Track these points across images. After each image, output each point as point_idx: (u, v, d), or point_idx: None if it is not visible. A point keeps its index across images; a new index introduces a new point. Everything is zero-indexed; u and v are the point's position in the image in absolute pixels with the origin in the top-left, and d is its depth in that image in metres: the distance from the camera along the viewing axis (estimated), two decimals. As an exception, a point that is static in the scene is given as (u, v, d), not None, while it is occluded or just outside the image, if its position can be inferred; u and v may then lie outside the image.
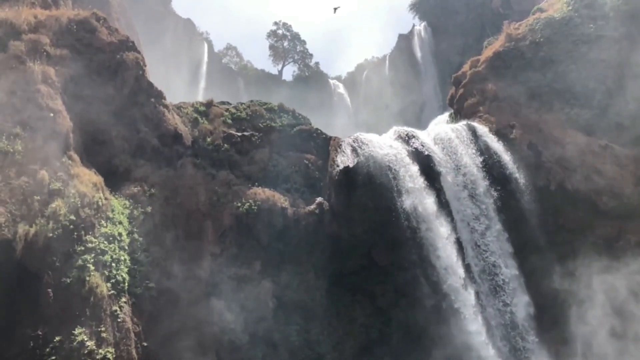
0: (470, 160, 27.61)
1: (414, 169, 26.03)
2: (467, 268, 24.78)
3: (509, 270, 25.57)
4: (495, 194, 26.86)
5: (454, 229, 25.39)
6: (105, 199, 20.94)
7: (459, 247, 24.98)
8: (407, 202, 25.05)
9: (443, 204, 25.67)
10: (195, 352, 20.50)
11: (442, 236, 24.77)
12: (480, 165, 27.51)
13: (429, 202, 25.21)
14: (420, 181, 25.67)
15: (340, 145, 28.11)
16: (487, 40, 40.83)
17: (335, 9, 54.79)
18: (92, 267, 18.52)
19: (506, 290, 25.18)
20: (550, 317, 24.88)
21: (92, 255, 18.82)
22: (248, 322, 22.28)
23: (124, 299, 19.39)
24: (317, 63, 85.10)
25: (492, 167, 27.53)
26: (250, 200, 25.03)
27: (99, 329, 17.73)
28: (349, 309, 24.90)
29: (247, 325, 22.20)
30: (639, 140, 27.75)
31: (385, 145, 27.06)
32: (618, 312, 23.41)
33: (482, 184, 27.04)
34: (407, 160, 26.28)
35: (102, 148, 23.50)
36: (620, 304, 23.67)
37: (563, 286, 25.06)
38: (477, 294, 24.30)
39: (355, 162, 26.21)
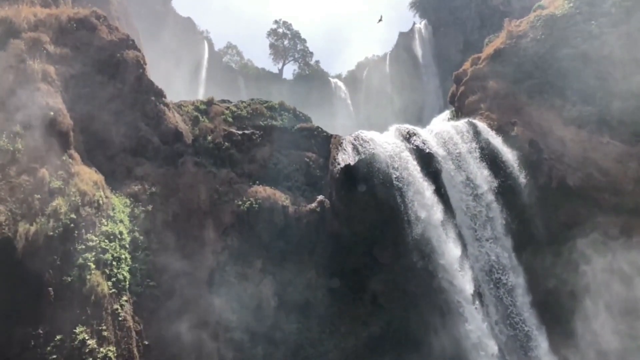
0: (472, 159, 27.51)
1: (417, 171, 25.78)
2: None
3: (543, 338, 24.30)
4: (493, 191, 26.73)
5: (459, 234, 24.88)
6: (106, 197, 20.92)
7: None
8: (417, 229, 24.45)
9: (446, 202, 25.58)
10: (196, 350, 20.46)
11: (466, 294, 23.46)
12: (482, 165, 27.39)
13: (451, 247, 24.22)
14: (420, 176, 25.54)
15: (342, 143, 28.03)
16: (488, 38, 40.73)
17: (379, 20, 61.29)
18: (92, 266, 18.51)
19: None
20: (553, 314, 24.84)
21: (93, 253, 18.81)
22: (249, 320, 22.25)
23: (124, 298, 19.36)
24: (317, 61, 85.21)
25: (492, 165, 27.45)
26: (251, 199, 24.97)
27: (100, 328, 17.71)
28: (351, 307, 24.80)
29: (248, 324, 22.17)
30: (641, 137, 27.68)
31: (387, 143, 26.97)
32: (622, 309, 23.32)
33: (482, 181, 26.97)
34: (409, 158, 26.18)
35: (103, 146, 23.46)
36: (623, 300, 23.59)
37: (564, 283, 24.99)
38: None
39: (356, 160, 26.12)
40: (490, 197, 26.63)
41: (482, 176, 27.17)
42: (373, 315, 24.64)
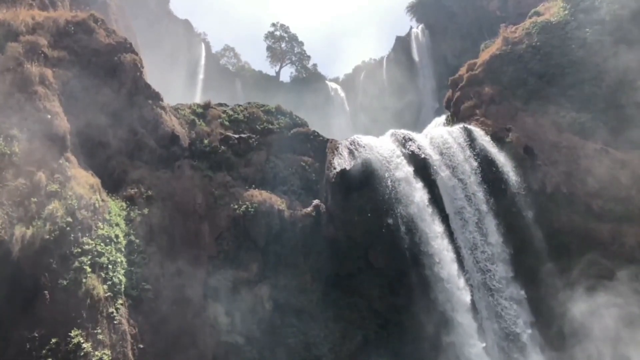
0: (467, 165, 27.66)
1: (412, 176, 25.80)
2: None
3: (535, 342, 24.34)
4: (488, 197, 26.88)
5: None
6: (102, 200, 20.95)
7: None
8: (412, 234, 24.57)
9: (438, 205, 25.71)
10: (191, 354, 20.51)
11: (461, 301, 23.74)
12: (477, 171, 27.54)
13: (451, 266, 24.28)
14: (415, 181, 25.66)
15: (337, 147, 28.19)
16: (484, 43, 40.98)
17: None
18: (88, 269, 18.51)
19: None
20: (546, 319, 24.97)
21: (89, 257, 18.81)
22: (245, 324, 22.32)
23: (120, 301, 19.38)
24: (314, 65, 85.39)
25: (487, 171, 27.59)
26: (247, 202, 25.05)
27: (96, 331, 17.71)
28: (346, 311, 24.92)
29: (244, 328, 22.24)
30: (635, 144, 27.89)
31: (383, 148, 27.12)
32: (613, 315, 23.41)
33: (476, 186, 27.15)
34: (405, 163, 26.28)
35: (100, 150, 23.51)
36: (616, 305, 23.69)
37: (559, 290, 25.10)
38: None
39: (352, 165, 26.28)
40: (484, 201, 26.75)
41: (477, 181, 27.30)
42: (368, 319, 24.77)
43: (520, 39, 33.76)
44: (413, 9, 76.11)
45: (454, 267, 24.25)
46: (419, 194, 25.23)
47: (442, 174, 26.85)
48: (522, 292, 25.43)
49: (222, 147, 27.52)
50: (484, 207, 26.61)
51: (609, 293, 23.57)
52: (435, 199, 25.66)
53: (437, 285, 24.07)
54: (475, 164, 27.77)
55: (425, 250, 24.47)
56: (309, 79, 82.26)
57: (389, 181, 25.58)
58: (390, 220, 25.08)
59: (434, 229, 24.82)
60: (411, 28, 76.79)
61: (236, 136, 28.34)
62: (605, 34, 31.29)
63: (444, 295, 23.85)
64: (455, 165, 27.53)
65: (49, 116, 20.74)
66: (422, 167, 26.36)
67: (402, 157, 26.57)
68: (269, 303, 23.31)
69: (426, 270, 24.40)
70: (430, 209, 25.13)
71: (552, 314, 24.78)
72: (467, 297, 23.78)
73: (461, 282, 24.05)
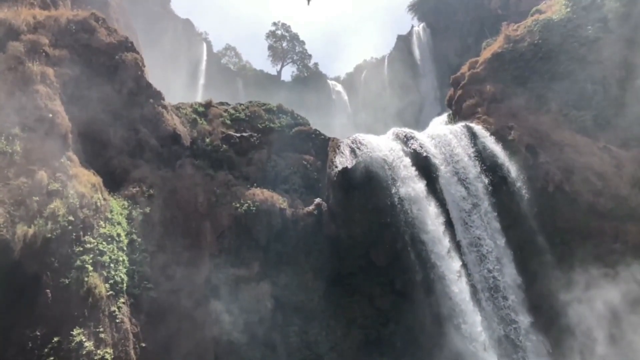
0: (468, 162, 27.52)
1: (414, 174, 25.55)
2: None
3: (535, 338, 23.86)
4: (489, 185, 26.71)
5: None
6: (104, 199, 20.94)
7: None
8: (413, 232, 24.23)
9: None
10: (193, 352, 20.51)
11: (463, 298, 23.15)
12: (489, 190, 27.18)
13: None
14: (417, 179, 25.53)
15: (339, 146, 28.15)
16: (486, 42, 40.88)
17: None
18: (90, 268, 18.53)
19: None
20: (548, 319, 24.90)
21: (91, 256, 18.82)
22: (246, 322, 22.28)
23: (122, 300, 19.39)
24: (316, 64, 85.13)
25: (488, 171, 27.47)
26: (248, 201, 25.00)
27: (98, 330, 17.74)
28: (347, 309, 24.87)
29: (245, 326, 22.21)
30: (637, 142, 27.83)
31: (384, 147, 27.06)
32: (615, 313, 23.39)
33: (478, 184, 27.03)
34: (407, 162, 26.20)
35: (101, 148, 23.51)
36: (617, 304, 23.67)
37: (561, 287, 25.04)
38: None
39: (353, 163, 26.24)
40: (486, 200, 26.65)
41: (478, 179, 27.19)
42: (369, 318, 24.70)
43: (522, 36, 33.73)
44: (414, 8, 76.06)
45: (477, 320, 23.00)
46: (420, 191, 24.95)
47: (444, 172, 26.66)
48: (543, 338, 24.39)
49: (224, 145, 27.50)
50: (500, 240, 25.65)
51: (610, 287, 23.54)
52: (437, 196, 25.43)
53: (456, 336, 23.01)
54: (477, 161, 27.54)
55: (443, 292, 23.68)
56: (310, 77, 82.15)
57: (390, 179, 25.39)
58: (398, 246, 24.74)
59: (452, 267, 23.90)
60: (412, 27, 76.81)
61: (238, 135, 28.31)
62: (607, 31, 31.28)
63: (464, 347, 22.71)
64: (457, 163, 27.30)
65: (51, 115, 20.73)
66: (423, 165, 26.19)
67: (404, 155, 26.36)
68: (270, 301, 23.28)
69: (443, 309, 23.65)
70: (431, 206, 24.63)
71: (554, 311, 24.72)
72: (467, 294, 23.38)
73: (486, 339, 22.74)
